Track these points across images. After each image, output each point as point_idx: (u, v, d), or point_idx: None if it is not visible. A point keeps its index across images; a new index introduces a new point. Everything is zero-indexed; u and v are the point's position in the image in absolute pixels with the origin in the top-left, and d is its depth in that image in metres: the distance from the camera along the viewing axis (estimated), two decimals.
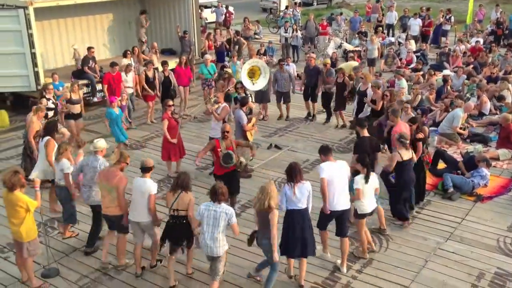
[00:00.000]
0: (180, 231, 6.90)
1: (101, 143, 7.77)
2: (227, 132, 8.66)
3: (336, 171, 7.16)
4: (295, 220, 6.77)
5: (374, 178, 7.53)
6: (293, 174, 6.79)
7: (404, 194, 8.52)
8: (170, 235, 6.98)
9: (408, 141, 8.33)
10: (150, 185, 7.00)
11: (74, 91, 11.90)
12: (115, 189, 7.01)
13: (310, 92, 13.68)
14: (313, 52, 17.85)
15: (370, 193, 7.48)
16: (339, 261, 7.56)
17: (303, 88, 13.94)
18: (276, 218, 6.46)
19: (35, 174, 8.40)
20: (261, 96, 13.47)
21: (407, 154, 8.28)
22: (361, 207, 7.46)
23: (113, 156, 7.24)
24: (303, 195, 6.77)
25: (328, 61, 14.24)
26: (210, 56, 14.77)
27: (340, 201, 7.18)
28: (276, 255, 6.56)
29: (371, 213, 7.64)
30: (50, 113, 11.19)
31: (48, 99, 11.42)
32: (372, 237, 8.03)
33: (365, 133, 8.70)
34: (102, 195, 7.23)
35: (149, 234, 7.29)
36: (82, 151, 8.38)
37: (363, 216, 7.53)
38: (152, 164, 7.21)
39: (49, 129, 8.97)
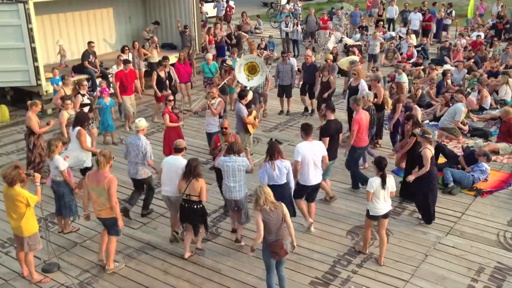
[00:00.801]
0: (193, 215, 7.48)
1: (142, 123, 8.47)
2: (226, 128, 8.80)
3: (311, 150, 7.86)
4: (277, 194, 6.98)
5: (391, 181, 7.34)
6: (272, 152, 7.56)
7: (431, 196, 8.36)
8: (185, 217, 7.58)
9: (431, 136, 8.35)
10: (181, 162, 7.65)
11: (67, 85, 11.84)
12: (106, 190, 6.94)
13: (308, 88, 13.67)
14: (309, 49, 17.86)
15: (386, 196, 7.28)
16: (310, 220, 8.31)
17: (301, 83, 13.95)
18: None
19: (72, 162, 8.74)
20: (256, 100, 12.83)
21: (432, 149, 8.32)
22: (373, 209, 7.31)
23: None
24: (281, 172, 7.50)
25: (331, 56, 14.20)
26: (211, 55, 14.67)
27: (314, 177, 7.97)
28: (295, 243, 6.66)
29: (384, 216, 7.39)
30: (85, 109, 11.10)
31: (83, 95, 11.40)
32: (371, 234, 8.03)
33: (332, 117, 8.89)
34: (93, 198, 7.12)
35: (176, 208, 7.85)
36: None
37: (374, 218, 7.40)
38: (184, 145, 7.96)
39: (80, 119, 9.28)
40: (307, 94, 13.77)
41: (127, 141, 8.64)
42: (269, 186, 7.10)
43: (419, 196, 8.50)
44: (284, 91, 13.73)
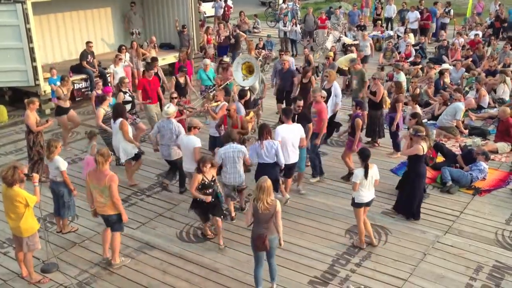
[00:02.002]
0: (206, 207, 7.79)
1: (171, 109, 9.29)
2: (229, 110, 9.58)
3: (290, 132, 8.62)
4: (265, 171, 7.85)
5: (375, 170, 7.64)
6: (262, 132, 8.27)
7: (419, 191, 8.50)
8: (199, 209, 7.91)
9: (424, 133, 8.38)
10: (194, 140, 8.55)
11: (65, 85, 11.81)
12: (107, 188, 6.96)
13: (285, 95, 12.87)
14: (308, 48, 17.81)
15: (369, 185, 7.61)
16: (287, 196, 9.06)
17: (276, 90, 13.23)
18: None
19: (122, 156, 9.59)
20: (252, 104, 12.36)
21: (426, 146, 8.40)
22: (358, 197, 7.62)
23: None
24: (269, 152, 8.23)
25: (331, 54, 14.11)
26: (209, 61, 14.39)
27: (291, 157, 8.71)
28: (282, 241, 6.76)
29: (367, 204, 7.73)
30: (128, 106, 11.13)
31: (125, 92, 11.42)
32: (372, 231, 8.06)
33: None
34: (94, 196, 7.13)
35: None
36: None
37: (359, 205, 7.65)
38: (195, 124, 8.69)
39: (119, 111, 9.65)
40: (284, 102, 12.90)
41: (160, 125, 9.35)
42: (259, 164, 8.35)
43: (406, 189, 8.64)
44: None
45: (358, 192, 7.60)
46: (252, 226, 6.55)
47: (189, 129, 8.73)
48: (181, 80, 12.79)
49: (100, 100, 10.78)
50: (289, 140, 8.61)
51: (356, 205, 7.69)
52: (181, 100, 11.39)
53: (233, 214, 8.72)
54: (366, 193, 7.63)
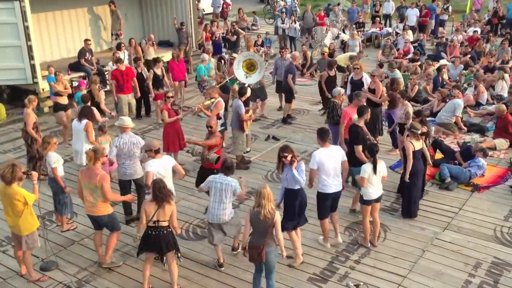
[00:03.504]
0: (161, 242, 6.57)
1: (127, 120, 8.38)
2: (211, 127, 8.58)
3: (329, 156, 7.35)
4: (294, 200, 7.18)
5: (383, 166, 7.56)
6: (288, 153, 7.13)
7: (414, 190, 8.46)
8: (149, 245, 6.67)
9: (419, 131, 8.36)
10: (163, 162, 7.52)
11: (58, 81, 11.82)
12: (99, 188, 6.91)
13: (283, 88, 13.25)
14: (306, 45, 17.80)
15: (377, 181, 7.53)
16: (321, 238, 7.95)
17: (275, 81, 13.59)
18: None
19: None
20: (258, 94, 12.97)
21: (418, 144, 8.34)
22: (367, 194, 7.55)
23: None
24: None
25: (326, 49, 14.11)
26: (207, 56, 14.53)
27: (334, 184, 7.45)
28: (285, 253, 6.54)
29: (376, 200, 7.65)
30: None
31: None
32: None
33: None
34: (85, 195, 7.06)
35: None
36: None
37: (368, 202, 7.59)
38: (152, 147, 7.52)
39: (86, 112, 9.47)
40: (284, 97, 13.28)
41: (118, 142, 8.24)
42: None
43: (403, 188, 8.63)
44: (281, 85, 13.68)
45: (366, 189, 7.51)
46: (250, 237, 6.35)
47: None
48: (158, 72, 13.04)
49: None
50: (328, 165, 7.32)
51: (365, 202, 7.61)
52: (176, 100, 11.38)
53: (221, 260, 7.46)
54: (375, 189, 7.56)
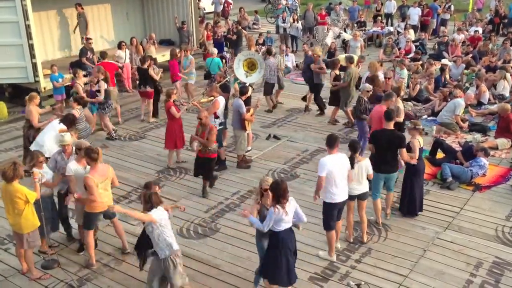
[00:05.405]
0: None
1: (67, 137, 7.65)
2: (201, 119, 9.12)
3: (337, 163, 7.08)
4: (286, 240, 6.21)
5: (365, 163, 7.50)
6: (284, 194, 6.08)
7: (417, 187, 8.45)
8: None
9: (421, 127, 8.31)
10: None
11: (80, 78, 11.90)
12: (110, 179, 7.23)
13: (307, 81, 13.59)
14: (307, 44, 17.75)
15: (359, 177, 7.48)
16: (321, 252, 7.66)
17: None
18: None
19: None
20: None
21: (421, 141, 8.37)
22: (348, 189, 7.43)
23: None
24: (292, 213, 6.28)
25: (319, 52, 13.99)
26: (216, 50, 14.79)
27: (342, 193, 7.22)
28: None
29: (360, 197, 7.63)
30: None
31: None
32: (369, 227, 8.06)
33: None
34: (100, 193, 7.02)
35: None
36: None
37: (351, 198, 7.49)
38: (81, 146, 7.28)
39: (68, 119, 9.07)
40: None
41: (57, 157, 7.62)
42: (281, 232, 6.14)
43: (406, 186, 8.59)
44: (279, 83, 13.72)
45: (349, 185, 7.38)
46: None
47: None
48: (145, 67, 13.05)
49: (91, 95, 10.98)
50: (336, 174, 7.04)
51: (348, 197, 7.42)
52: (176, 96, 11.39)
53: None
54: (356, 186, 7.47)
